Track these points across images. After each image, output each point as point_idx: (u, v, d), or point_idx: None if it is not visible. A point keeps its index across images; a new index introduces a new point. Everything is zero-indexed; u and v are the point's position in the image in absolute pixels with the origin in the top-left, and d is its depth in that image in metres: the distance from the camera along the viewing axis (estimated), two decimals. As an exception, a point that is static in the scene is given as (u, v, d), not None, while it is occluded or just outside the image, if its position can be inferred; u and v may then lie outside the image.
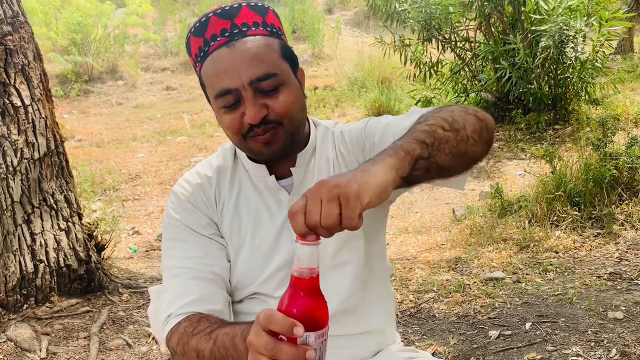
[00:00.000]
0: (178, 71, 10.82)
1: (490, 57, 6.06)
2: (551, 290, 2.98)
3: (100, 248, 3.33)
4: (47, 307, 2.91)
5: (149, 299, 1.25)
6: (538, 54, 5.46)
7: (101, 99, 9.73)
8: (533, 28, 5.56)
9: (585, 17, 5.47)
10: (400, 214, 4.76)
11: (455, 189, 1.07)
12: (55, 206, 2.99)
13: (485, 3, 5.68)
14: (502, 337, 2.56)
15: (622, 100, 5.95)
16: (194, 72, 1.18)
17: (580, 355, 2.32)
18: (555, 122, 5.86)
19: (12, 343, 2.63)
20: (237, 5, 1.11)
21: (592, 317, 2.62)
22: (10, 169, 2.84)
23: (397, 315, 2.78)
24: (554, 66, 5.68)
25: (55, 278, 2.95)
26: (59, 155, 3.07)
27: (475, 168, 1.04)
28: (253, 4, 1.12)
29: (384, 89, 7.99)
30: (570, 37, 5.28)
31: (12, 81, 2.89)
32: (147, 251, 4.41)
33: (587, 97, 5.97)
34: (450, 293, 3.12)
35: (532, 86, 5.66)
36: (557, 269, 3.26)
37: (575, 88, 5.92)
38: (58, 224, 3.00)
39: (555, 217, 3.73)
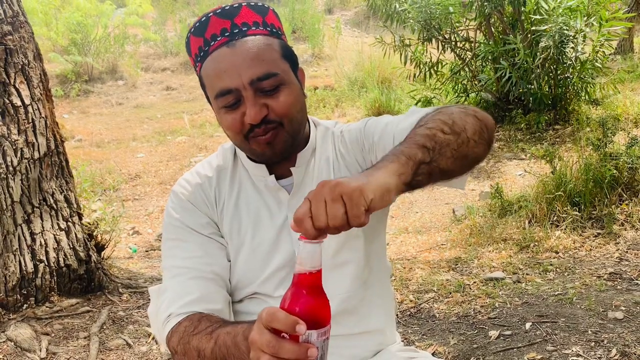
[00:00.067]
0: (178, 71, 10.82)
1: (490, 57, 6.06)
2: (551, 290, 2.98)
3: (100, 248, 3.33)
4: (47, 307, 2.91)
5: (149, 299, 1.25)
6: (538, 54, 5.46)
7: (101, 99, 9.73)
8: (533, 28, 5.56)
9: (585, 17, 5.47)
10: (400, 214, 4.75)
11: (456, 188, 1.07)
12: (55, 206, 2.99)
13: (485, 3, 5.68)
14: (502, 337, 2.56)
15: (622, 100, 5.95)
16: (194, 72, 1.18)
17: (580, 355, 2.31)
18: (555, 122, 5.86)
19: (12, 343, 2.63)
20: (237, 5, 1.11)
21: (592, 317, 2.62)
22: (10, 168, 2.84)
23: (397, 315, 2.78)
24: (554, 66, 5.68)
25: (55, 278, 2.95)
26: (59, 155, 3.07)
27: (476, 168, 1.04)
28: (253, 3, 1.12)
29: (384, 89, 7.99)
30: (570, 37, 5.28)
31: (12, 81, 2.89)
32: (147, 251, 4.41)
33: (587, 97, 5.97)
34: (450, 293, 3.12)
35: (532, 86, 5.66)
36: (557, 269, 3.26)
37: (575, 88, 5.92)
38: (58, 224, 3.00)
39: (555, 217, 3.73)
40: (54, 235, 2.96)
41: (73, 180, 3.21)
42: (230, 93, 1.08)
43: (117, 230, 3.65)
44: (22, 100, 2.90)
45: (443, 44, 6.34)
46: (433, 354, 2.29)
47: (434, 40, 6.28)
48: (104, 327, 2.86)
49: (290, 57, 1.14)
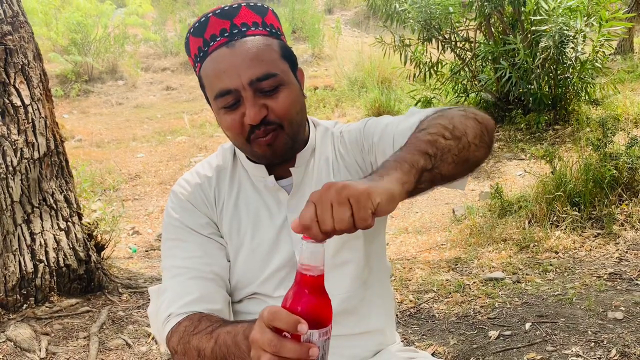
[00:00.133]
0: (178, 71, 10.82)
1: (490, 57, 6.06)
2: (551, 291, 2.98)
3: (100, 248, 3.33)
4: (46, 307, 2.91)
5: (149, 299, 1.25)
6: (538, 54, 5.46)
7: (101, 99, 9.73)
8: (533, 28, 5.56)
9: (585, 18, 5.47)
10: (400, 214, 4.75)
11: (456, 189, 1.07)
12: (55, 206, 2.99)
13: (485, 3, 5.68)
14: (501, 338, 2.56)
15: (622, 100, 5.95)
16: (194, 72, 1.18)
17: (580, 355, 2.31)
18: (555, 122, 5.86)
19: (12, 343, 2.63)
20: (236, 5, 1.11)
21: (592, 318, 2.62)
22: (10, 168, 2.84)
23: (396, 315, 2.78)
24: (554, 66, 5.68)
25: (54, 278, 2.95)
26: (59, 155, 3.07)
27: (477, 170, 1.04)
28: (252, 4, 1.12)
29: (384, 89, 7.99)
30: (570, 38, 5.28)
31: (12, 81, 2.89)
32: (147, 251, 4.41)
33: (587, 97, 5.97)
34: (450, 293, 3.12)
35: (532, 86, 5.66)
36: (557, 269, 3.26)
37: (575, 88, 5.92)
38: (58, 224, 2.99)
39: (555, 217, 3.72)
40: (54, 235, 2.96)
41: (73, 180, 3.22)
42: (229, 93, 1.08)
43: (117, 230, 3.65)
44: (22, 100, 2.90)
45: (443, 44, 6.34)
46: (433, 354, 2.29)
47: (434, 40, 6.28)
48: (104, 327, 2.86)
49: (289, 57, 1.14)
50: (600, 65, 5.69)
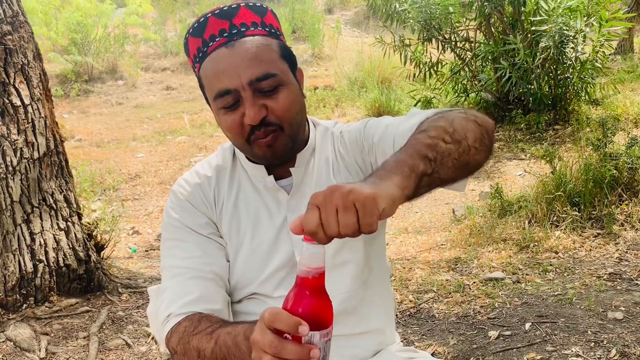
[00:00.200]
0: (178, 71, 10.82)
1: (490, 57, 6.06)
2: (551, 291, 2.98)
3: (99, 248, 3.32)
4: (46, 306, 2.91)
5: (149, 299, 1.25)
6: (538, 54, 5.46)
7: (101, 98, 9.73)
8: (533, 28, 5.55)
9: (585, 18, 5.47)
10: (400, 214, 4.75)
11: (456, 190, 1.06)
12: (54, 206, 2.99)
13: (485, 3, 5.68)
14: (501, 338, 2.56)
15: (622, 100, 5.95)
16: (193, 72, 1.18)
17: (580, 355, 2.31)
18: (555, 122, 5.86)
19: (12, 343, 2.63)
20: (235, 5, 1.10)
21: (592, 318, 2.62)
22: (10, 168, 2.84)
23: (396, 315, 2.78)
24: (554, 66, 5.68)
25: (54, 278, 2.95)
26: (59, 155, 3.07)
27: (477, 173, 1.03)
28: (251, 4, 1.12)
29: (384, 89, 7.99)
30: (570, 38, 5.28)
31: (12, 81, 2.89)
32: (146, 251, 4.41)
33: (587, 97, 5.97)
34: (450, 293, 3.12)
35: (532, 86, 5.66)
36: (557, 269, 3.26)
37: (575, 88, 5.91)
38: (57, 224, 2.99)
39: (555, 217, 3.72)
40: (54, 235, 2.96)
41: (73, 180, 3.21)
42: (229, 94, 1.08)
43: (116, 230, 3.65)
44: (21, 100, 2.90)
45: (443, 44, 6.34)
46: (432, 354, 2.29)
47: (434, 40, 6.28)
48: (104, 327, 2.86)
49: (289, 57, 1.14)
50: (600, 65, 5.69)
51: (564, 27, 5.19)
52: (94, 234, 3.29)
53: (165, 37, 11.45)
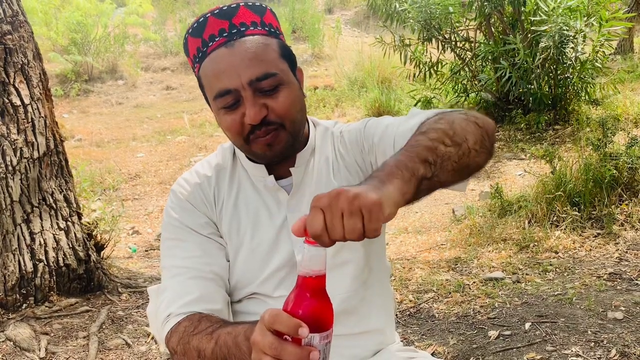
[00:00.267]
0: (178, 71, 10.82)
1: (490, 57, 6.06)
2: (551, 291, 2.98)
3: (99, 247, 3.32)
4: (46, 306, 2.91)
5: (148, 299, 1.25)
6: (538, 54, 5.46)
7: (101, 98, 9.73)
8: (533, 28, 5.55)
9: (585, 17, 5.47)
10: (400, 214, 4.74)
11: (457, 190, 1.06)
12: (54, 205, 2.99)
13: (485, 3, 5.68)
14: (501, 337, 2.56)
15: (622, 100, 5.95)
16: (192, 72, 1.18)
17: (580, 355, 2.31)
18: (555, 122, 5.86)
19: (11, 342, 2.63)
20: (234, 5, 1.10)
21: (592, 317, 2.61)
22: (10, 168, 2.83)
23: (396, 315, 2.78)
24: (554, 66, 5.68)
25: (54, 277, 2.95)
26: (59, 155, 3.07)
27: (477, 174, 1.03)
28: (251, 3, 1.12)
29: (384, 89, 7.99)
30: (570, 38, 5.28)
31: (12, 80, 2.88)
32: (146, 251, 4.41)
33: (587, 97, 5.97)
34: (450, 293, 3.12)
35: (532, 86, 5.66)
36: (557, 269, 3.26)
37: (575, 88, 5.92)
38: (57, 224, 2.99)
39: (555, 217, 3.72)
40: (54, 234, 2.96)
41: (72, 179, 3.21)
42: (229, 93, 1.08)
43: (116, 229, 3.65)
44: (21, 100, 2.90)
45: (443, 43, 6.34)
46: (432, 354, 2.29)
47: (434, 40, 6.28)
48: (103, 326, 2.86)
49: (288, 56, 1.14)
50: (600, 65, 5.69)
51: (564, 27, 5.19)
52: (93, 233, 3.29)
53: (165, 37, 11.45)
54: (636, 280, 3.01)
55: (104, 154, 7.05)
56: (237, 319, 1.19)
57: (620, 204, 3.72)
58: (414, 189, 0.85)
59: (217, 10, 1.10)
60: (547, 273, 3.23)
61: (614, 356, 2.28)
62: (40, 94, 3.00)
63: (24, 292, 2.86)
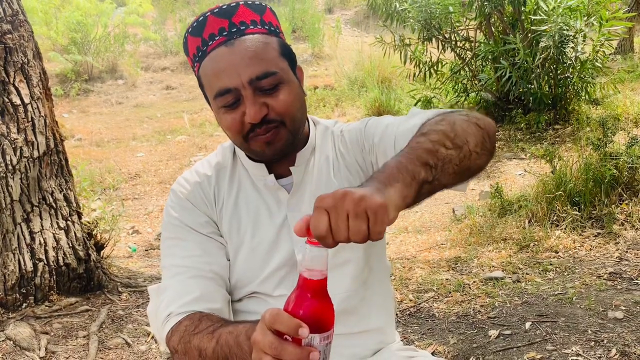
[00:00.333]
0: (178, 70, 10.81)
1: (490, 57, 6.06)
2: (551, 290, 2.98)
3: (99, 247, 3.32)
4: (46, 306, 2.91)
5: (149, 298, 1.25)
6: (538, 54, 5.46)
7: (101, 98, 9.72)
8: (533, 28, 5.55)
9: (585, 17, 5.47)
10: (400, 213, 4.74)
11: (457, 191, 1.06)
12: (54, 205, 2.99)
13: (485, 3, 5.68)
14: (501, 337, 2.56)
15: (622, 100, 5.95)
16: (192, 71, 1.18)
17: (580, 354, 2.31)
18: (555, 122, 5.86)
19: (11, 342, 2.63)
20: (234, 4, 1.10)
21: (592, 317, 2.61)
22: (10, 167, 2.83)
23: (396, 314, 2.78)
24: (554, 66, 5.68)
25: (54, 277, 2.95)
26: (59, 154, 3.07)
27: (477, 175, 1.03)
28: (250, 2, 1.12)
29: (384, 88, 7.99)
30: (570, 37, 5.28)
31: (12, 80, 2.88)
32: (146, 250, 4.41)
33: (587, 97, 5.97)
34: (450, 292, 3.12)
35: (532, 86, 5.66)
36: (557, 269, 3.26)
37: (576, 88, 5.92)
38: (57, 223, 2.99)
39: (555, 217, 3.72)
40: (54, 234, 2.96)
41: (72, 179, 3.21)
42: (229, 92, 1.08)
43: (116, 229, 3.65)
44: (21, 99, 2.90)
45: (443, 43, 6.34)
46: (433, 353, 2.29)
47: (434, 39, 6.28)
48: (103, 326, 2.86)
49: (288, 55, 1.14)
50: (600, 65, 5.69)
51: (564, 27, 5.19)
52: (93, 233, 3.29)
53: (165, 37, 11.45)
54: (636, 279, 3.01)
55: (103, 153, 7.05)
56: (237, 318, 1.19)
57: (621, 204, 3.72)
58: (415, 192, 0.85)
59: (217, 9, 1.10)
60: (547, 272, 3.23)
61: (614, 355, 2.28)
62: (40, 93, 3.00)
63: (24, 291, 2.86)
